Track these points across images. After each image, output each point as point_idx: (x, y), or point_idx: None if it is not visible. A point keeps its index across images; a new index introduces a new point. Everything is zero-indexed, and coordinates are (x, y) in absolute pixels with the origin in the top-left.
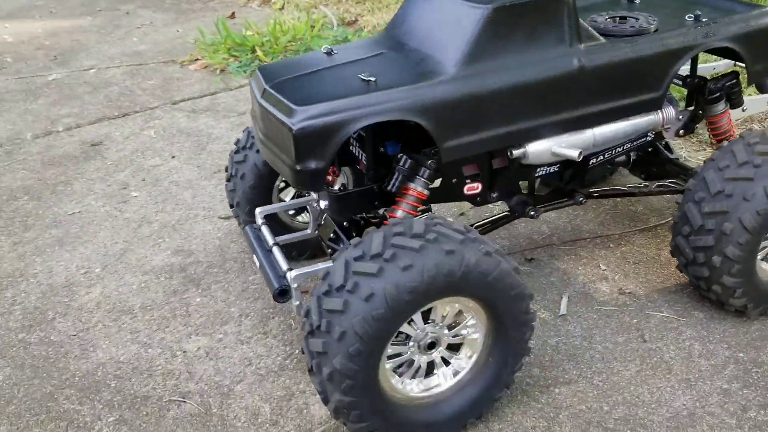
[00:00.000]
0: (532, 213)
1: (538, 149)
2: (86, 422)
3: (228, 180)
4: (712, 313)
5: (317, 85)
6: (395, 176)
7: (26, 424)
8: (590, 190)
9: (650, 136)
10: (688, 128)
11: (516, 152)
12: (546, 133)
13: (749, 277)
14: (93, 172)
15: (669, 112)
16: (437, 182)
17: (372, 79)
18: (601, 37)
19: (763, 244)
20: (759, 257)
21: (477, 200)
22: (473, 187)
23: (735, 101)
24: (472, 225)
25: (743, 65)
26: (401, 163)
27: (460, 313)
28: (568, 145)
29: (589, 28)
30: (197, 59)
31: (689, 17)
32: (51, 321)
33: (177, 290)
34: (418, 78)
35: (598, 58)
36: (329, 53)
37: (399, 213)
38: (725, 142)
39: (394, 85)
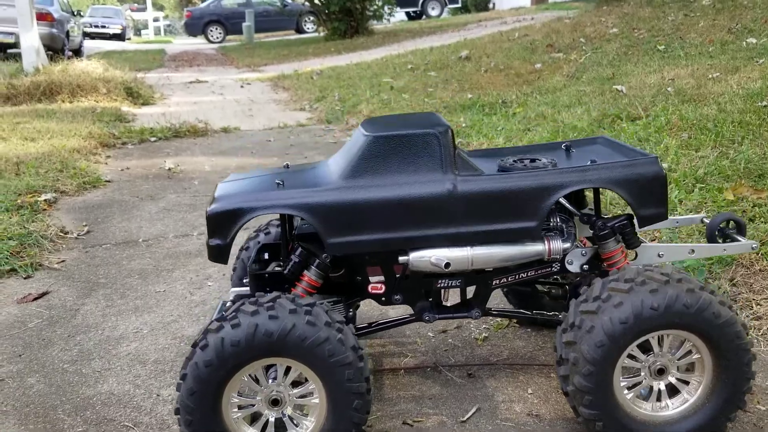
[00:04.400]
0: (427, 318)
1: (419, 257)
2: (63, 428)
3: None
4: None
5: (247, 184)
6: (291, 263)
7: (25, 416)
8: (489, 308)
9: (555, 267)
10: (593, 265)
11: (401, 259)
12: (425, 245)
13: (607, 410)
14: (194, 266)
15: (556, 244)
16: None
17: (281, 182)
18: (479, 169)
19: (634, 380)
20: (624, 389)
21: (382, 300)
22: (377, 287)
23: (629, 242)
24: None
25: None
26: (296, 252)
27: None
28: (447, 257)
29: (470, 160)
30: None
31: (590, 162)
32: (90, 359)
33: (186, 353)
34: (313, 185)
35: (470, 186)
36: (286, 167)
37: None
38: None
39: (293, 188)
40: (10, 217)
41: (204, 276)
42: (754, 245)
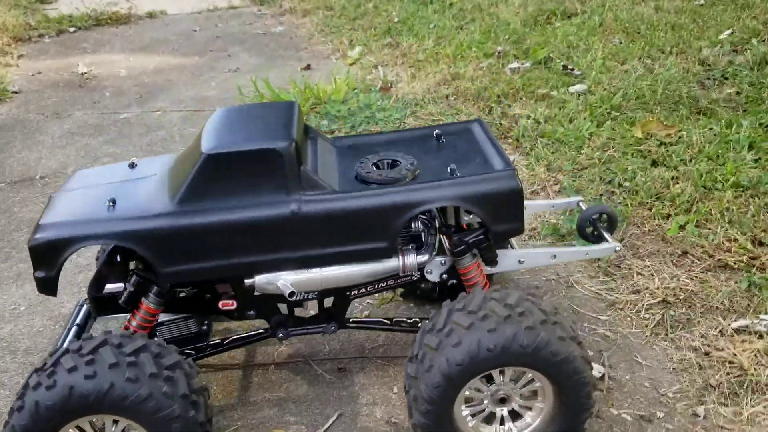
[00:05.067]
0: (281, 335)
1: (265, 281)
2: None
3: None
4: None
5: (78, 203)
6: (126, 292)
7: None
8: (349, 319)
9: (415, 276)
10: (453, 274)
11: (248, 281)
12: (271, 268)
13: None
14: None
15: (410, 259)
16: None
17: (112, 202)
18: (327, 186)
19: (477, 408)
20: (467, 417)
21: (234, 316)
22: (228, 304)
23: (486, 257)
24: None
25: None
26: (131, 281)
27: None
28: (294, 282)
29: (316, 178)
30: None
31: (450, 168)
32: None
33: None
34: (146, 206)
35: (316, 207)
36: (131, 166)
37: (134, 323)
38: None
39: (125, 209)
40: None
41: None
42: (617, 248)
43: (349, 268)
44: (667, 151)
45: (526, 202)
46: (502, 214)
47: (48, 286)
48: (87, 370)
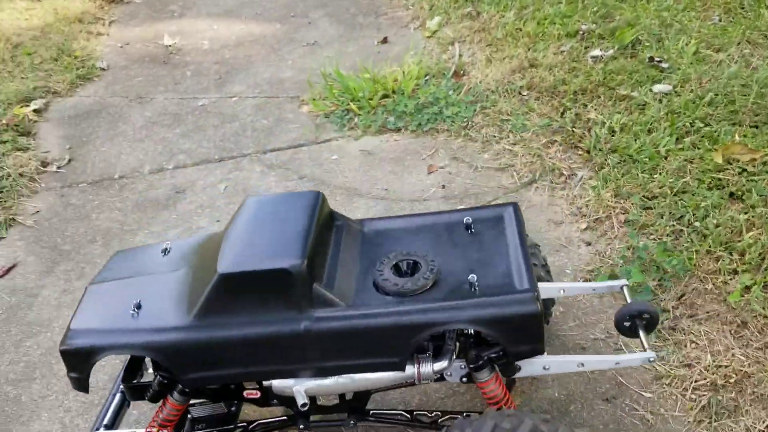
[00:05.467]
0: (301, 426)
1: (280, 387)
2: None
3: None
4: None
5: (105, 303)
6: (151, 391)
7: None
8: (369, 411)
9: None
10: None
11: (265, 383)
12: (287, 375)
13: None
14: (156, 225)
15: (426, 368)
16: None
17: (136, 309)
18: (339, 303)
19: None
20: None
21: (259, 403)
22: (252, 393)
23: (504, 371)
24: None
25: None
26: (155, 381)
27: None
28: (309, 389)
29: (327, 295)
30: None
31: (470, 281)
32: (32, 379)
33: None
34: (164, 320)
35: (327, 325)
36: (164, 252)
37: (160, 416)
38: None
39: (148, 317)
40: None
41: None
42: (651, 358)
43: (364, 376)
44: (749, 181)
45: (565, 285)
46: (520, 337)
47: (80, 385)
48: None
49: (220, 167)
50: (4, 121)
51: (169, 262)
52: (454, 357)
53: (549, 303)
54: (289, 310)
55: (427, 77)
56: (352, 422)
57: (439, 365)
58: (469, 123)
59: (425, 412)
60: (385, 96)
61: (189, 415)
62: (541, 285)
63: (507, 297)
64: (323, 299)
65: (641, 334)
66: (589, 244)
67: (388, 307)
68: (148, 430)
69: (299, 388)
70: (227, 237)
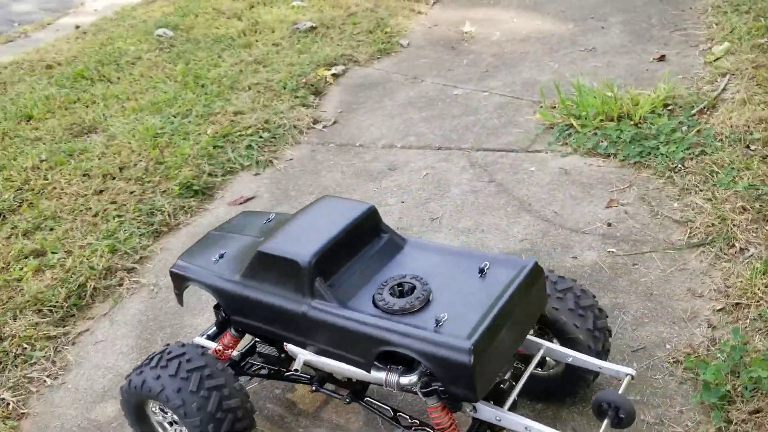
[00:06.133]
0: (313, 388)
1: (293, 351)
2: None
3: None
4: None
5: (208, 247)
6: (215, 325)
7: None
8: (365, 399)
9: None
10: None
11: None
12: (297, 344)
13: None
14: (358, 194)
15: (392, 378)
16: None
17: (219, 257)
18: (332, 299)
19: None
20: None
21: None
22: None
23: (452, 405)
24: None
25: None
26: (217, 316)
27: None
28: (307, 361)
29: (325, 291)
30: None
31: (437, 318)
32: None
33: None
34: (227, 272)
35: (318, 315)
36: (268, 220)
37: (223, 342)
38: None
39: (221, 266)
40: (282, 102)
41: None
42: None
43: (347, 366)
44: None
45: (574, 354)
46: (454, 380)
47: (179, 300)
48: (156, 373)
49: (434, 155)
50: (304, 80)
51: (261, 230)
52: (423, 377)
53: (585, 372)
54: (296, 294)
55: (670, 107)
56: (347, 400)
57: (405, 379)
58: (679, 166)
59: (407, 416)
60: (612, 119)
61: (257, 349)
62: (549, 346)
63: (448, 340)
64: (321, 293)
65: (604, 423)
66: (713, 327)
67: (364, 317)
68: (217, 347)
69: (301, 356)
70: (286, 223)
